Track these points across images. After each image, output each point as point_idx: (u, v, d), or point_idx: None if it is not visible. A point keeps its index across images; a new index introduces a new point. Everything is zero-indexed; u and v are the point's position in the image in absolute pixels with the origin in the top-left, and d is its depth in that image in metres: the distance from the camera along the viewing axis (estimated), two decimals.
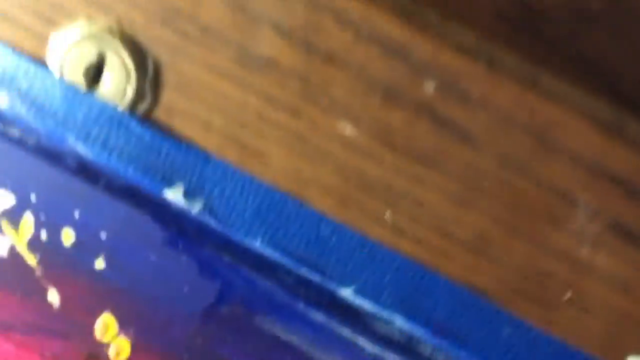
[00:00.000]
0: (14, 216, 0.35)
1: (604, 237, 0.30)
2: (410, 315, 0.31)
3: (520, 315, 0.31)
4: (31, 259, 0.35)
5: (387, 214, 0.31)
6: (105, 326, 0.34)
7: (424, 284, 0.32)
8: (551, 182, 0.29)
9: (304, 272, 0.32)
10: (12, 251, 0.35)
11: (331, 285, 0.32)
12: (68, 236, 0.34)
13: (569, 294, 0.30)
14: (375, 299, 0.32)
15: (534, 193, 0.30)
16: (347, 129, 0.30)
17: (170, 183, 0.33)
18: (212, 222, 0.33)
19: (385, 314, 0.32)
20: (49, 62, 0.31)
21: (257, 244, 0.33)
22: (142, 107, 0.32)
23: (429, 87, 0.29)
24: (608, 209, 0.29)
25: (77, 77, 0.32)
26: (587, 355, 0.31)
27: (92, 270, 0.34)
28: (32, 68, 0.32)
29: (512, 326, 0.31)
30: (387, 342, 0.32)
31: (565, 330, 0.31)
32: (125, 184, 0.34)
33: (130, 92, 0.32)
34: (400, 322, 0.32)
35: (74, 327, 0.35)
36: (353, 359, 0.33)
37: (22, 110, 0.34)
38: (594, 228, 0.29)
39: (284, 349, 0.33)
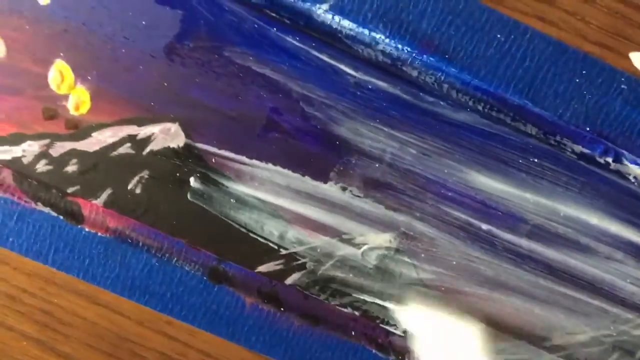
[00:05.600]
0: None
1: None
2: (393, 32, 0.29)
3: (514, 15, 0.30)
4: None
5: None
6: (60, 75, 0.31)
7: None
8: None
9: None
10: None
11: (306, 4, 0.29)
12: None
13: None
14: (354, 15, 0.29)
15: None
16: None
17: None
18: None
19: (366, 33, 0.29)
20: None
21: None
22: None
23: None
24: None
25: None
26: (586, 54, 0.29)
27: (37, 7, 0.31)
28: None
29: (507, 30, 0.30)
30: (370, 66, 0.30)
31: (563, 28, 0.29)
32: None
33: None
34: (383, 43, 0.29)
35: (25, 79, 0.31)
36: (334, 87, 0.31)
37: None
38: None
39: (259, 83, 0.31)
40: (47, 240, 0.35)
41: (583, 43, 0.30)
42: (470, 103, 0.31)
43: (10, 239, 0.35)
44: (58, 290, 0.36)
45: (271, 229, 0.34)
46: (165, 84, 0.31)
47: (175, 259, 0.35)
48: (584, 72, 0.30)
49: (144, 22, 0.31)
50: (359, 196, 0.33)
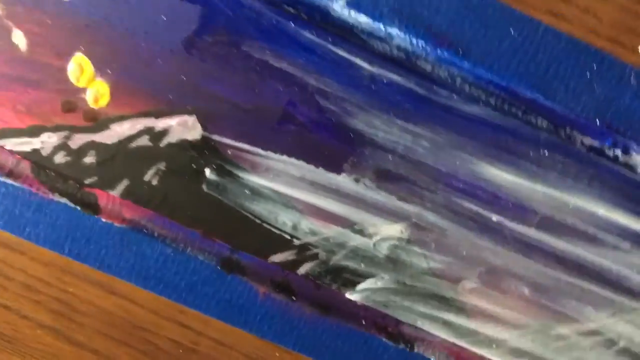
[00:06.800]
0: None
1: None
2: (408, 27, 0.30)
3: (526, 11, 0.30)
4: None
5: None
6: (80, 68, 0.32)
7: None
8: None
9: None
10: None
11: (323, 0, 0.30)
12: None
13: None
14: (371, 10, 0.30)
15: None
16: None
17: None
18: None
19: (381, 28, 0.30)
20: None
21: None
22: None
23: None
24: None
25: None
26: (597, 50, 0.30)
27: (59, 2, 0.31)
28: None
29: (520, 26, 0.30)
30: (385, 60, 0.31)
31: (575, 24, 0.30)
32: None
33: None
34: (398, 38, 0.30)
35: (45, 73, 0.32)
36: (349, 81, 0.31)
37: None
38: None
39: (276, 77, 0.31)
40: (64, 231, 0.35)
41: (594, 39, 0.30)
42: (483, 97, 0.32)
43: (28, 229, 0.35)
44: (74, 280, 0.37)
45: (285, 220, 0.35)
46: (184, 78, 0.32)
47: (189, 249, 0.35)
48: (594, 66, 0.31)
49: (164, 17, 0.31)
50: (371, 187, 0.34)
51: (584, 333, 0.35)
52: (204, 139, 0.33)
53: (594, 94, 0.31)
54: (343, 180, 0.34)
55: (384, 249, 0.34)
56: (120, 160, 0.34)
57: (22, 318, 0.38)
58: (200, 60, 0.32)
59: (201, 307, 0.36)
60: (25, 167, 0.35)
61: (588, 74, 0.31)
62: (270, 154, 0.33)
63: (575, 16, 0.30)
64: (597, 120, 0.32)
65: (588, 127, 0.32)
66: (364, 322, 0.36)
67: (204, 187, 0.34)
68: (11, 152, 0.34)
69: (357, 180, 0.34)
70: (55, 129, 0.34)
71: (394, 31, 0.31)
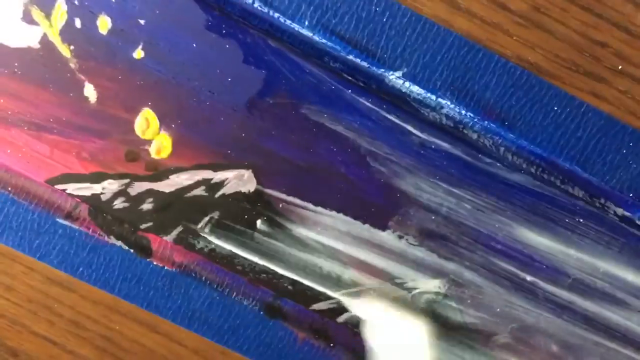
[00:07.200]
0: (45, 2, 0.32)
1: None
2: (459, 99, 0.32)
3: (570, 91, 0.32)
4: (65, 50, 0.33)
5: None
6: (146, 122, 0.33)
7: (475, 63, 0.31)
8: None
9: (352, 56, 0.31)
10: (45, 41, 0.32)
11: (380, 70, 0.32)
12: (104, 23, 0.32)
13: (620, 66, 0.31)
14: (425, 82, 0.32)
15: None
16: None
17: None
18: (257, 4, 0.31)
19: (433, 98, 0.32)
20: None
21: (304, 27, 0.32)
22: None
23: None
24: None
25: None
26: (634, 129, 0.32)
27: (131, 60, 0.32)
28: None
29: (563, 103, 0.32)
30: (434, 128, 0.33)
31: (615, 105, 0.32)
32: None
33: None
34: (448, 108, 0.32)
35: (112, 124, 0.33)
36: (400, 146, 0.33)
37: None
38: None
39: (330, 138, 0.33)
40: (116, 272, 0.37)
41: (632, 119, 0.33)
42: (524, 165, 0.34)
43: (81, 269, 0.37)
44: (120, 318, 0.38)
45: (329, 270, 0.36)
46: (243, 135, 0.34)
47: (235, 293, 0.37)
48: (631, 144, 0.33)
49: (229, 79, 0.33)
50: (414, 244, 0.35)
51: None
52: (257, 192, 0.35)
53: (629, 169, 0.34)
54: (387, 237, 0.35)
55: (421, 302, 0.36)
56: (176, 208, 0.36)
57: (67, 353, 0.39)
58: (260, 119, 0.34)
59: (242, 349, 0.37)
60: (84, 210, 0.36)
61: (624, 150, 0.33)
62: (319, 209, 0.35)
63: (615, 97, 0.33)
64: (631, 193, 0.34)
65: (621, 199, 0.34)
66: None
67: (254, 236, 0.36)
68: (71, 195, 0.36)
69: (400, 237, 0.35)
70: (117, 176, 0.35)
71: (444, 101, 0.33)
